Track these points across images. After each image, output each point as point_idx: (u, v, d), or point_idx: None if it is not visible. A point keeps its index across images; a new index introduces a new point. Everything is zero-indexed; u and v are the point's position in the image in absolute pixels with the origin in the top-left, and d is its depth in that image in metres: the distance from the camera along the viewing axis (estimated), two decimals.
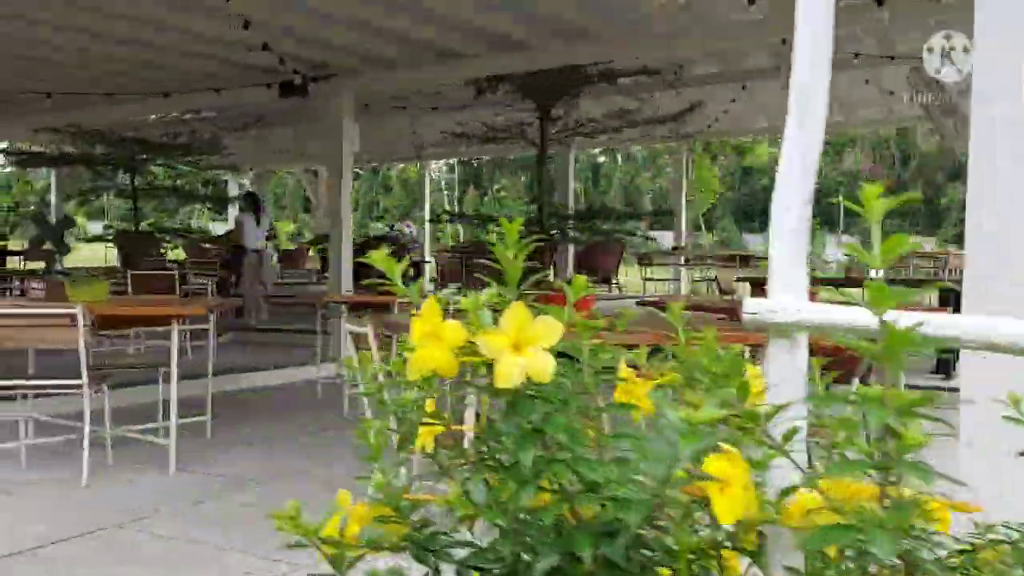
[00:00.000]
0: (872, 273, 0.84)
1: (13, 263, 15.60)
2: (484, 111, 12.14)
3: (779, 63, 11.77)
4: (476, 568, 0.97)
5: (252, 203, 12.96)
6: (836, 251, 38.84)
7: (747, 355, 1.21)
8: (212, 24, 7.73)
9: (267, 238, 13.05)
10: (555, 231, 10.70)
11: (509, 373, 0.98)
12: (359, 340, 3.48)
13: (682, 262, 16.90)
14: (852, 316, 0.97)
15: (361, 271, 9.99)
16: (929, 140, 37.71)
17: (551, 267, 11.54)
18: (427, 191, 20.12)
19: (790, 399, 0.88)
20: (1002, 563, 0.84)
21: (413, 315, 1.03)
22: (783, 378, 1.01)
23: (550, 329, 1.01)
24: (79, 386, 4.55)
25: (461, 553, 0.99)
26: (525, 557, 0.91)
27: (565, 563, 0.87)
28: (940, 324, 0.98)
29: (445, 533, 1.03)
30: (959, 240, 30.80)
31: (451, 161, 34.58)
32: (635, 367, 1.14)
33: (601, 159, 44.24)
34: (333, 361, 8.75)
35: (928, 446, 0.75)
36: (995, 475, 1.51)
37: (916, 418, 0.78)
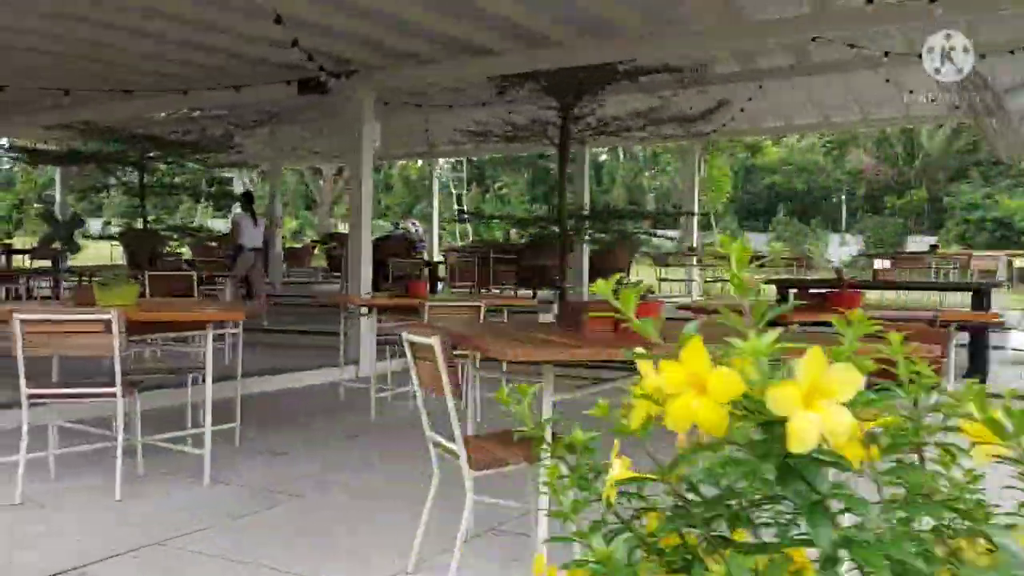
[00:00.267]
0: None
1: (17, 261, 15.42)
2: (499, 109, 11.98)
3: (796, 61, 11.70)
4: None
5: (249, 202, 12.89)
6: (838, 250, 38.76)
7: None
8: (235, 18, 7.56)
9: (264, 238, 12.95)
10: (573, 231, 10.53)
11: (805, 433, 0.81)
12: (419, 351, 3.31)
13: (694, 263, 16.76)
14: None
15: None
16: (934, 138, 37.61)
17: (568, 268, 11.37)
18: (435, 189, 19.92)
19: None
20: None
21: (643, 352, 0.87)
22: None
23: (848, 379, 0.84)
24: (112, 394, 4.38)
25: None
26: None
27: None
28: None
29: None
30: (962, 239, 30.35)
31: (451, 160, 34.39)
32: None
33: (603, 158, 44.06)
34: (355, 363, 8.60)
35: None
36: None
37: None
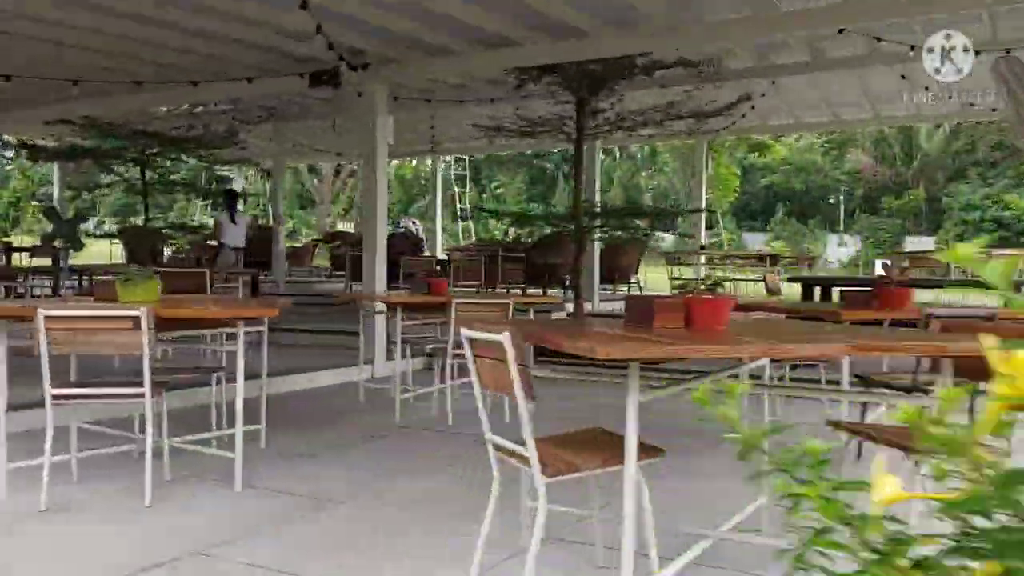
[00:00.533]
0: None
1: (15, 259, 15.11)
2: (505, 105, 11.76)
3: (812, 57, 11.53)
4: None
5: (230, 200, 12.81)
6: (836, 250, 38.67)
7: None
8: (247, 6, 7.35)
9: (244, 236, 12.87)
10: (587, 228, 10.33)
11: None
12: (482, 348, 3.10)
13: (702, 261, 16.60)
14: None
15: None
16: (933, 138, 37.54)
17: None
18: (439, 187, 19.68)
19: None
20: None
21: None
22: None
23: None
24: (140, 395, 4.16)
25: None
26: None
27: None
28: None
29: None
30: (960, 240, 30.62)
31: (447, 159, 34.09)
32: None
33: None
34: (370, 363, 8.40)
35: None
36: None
37: None
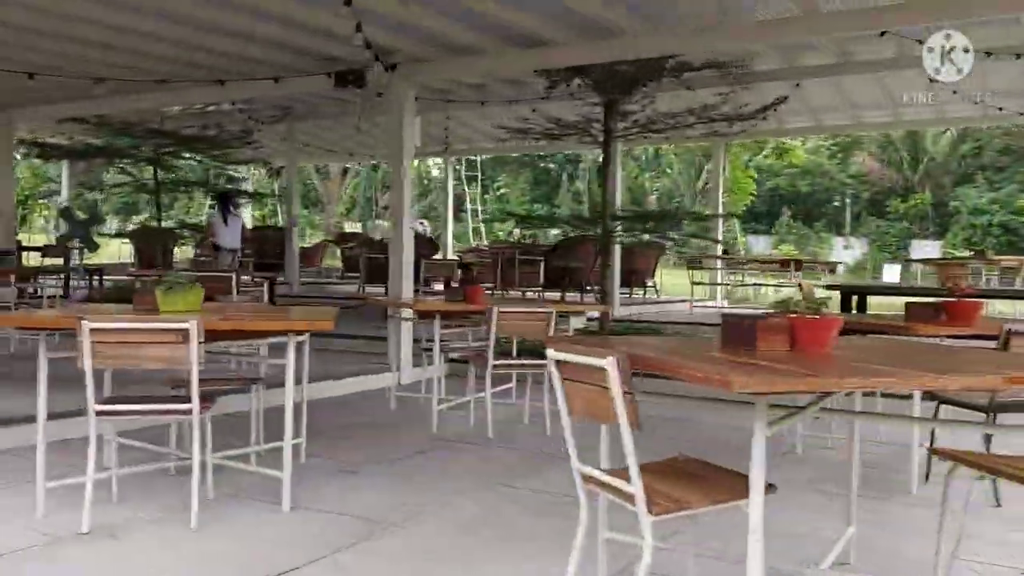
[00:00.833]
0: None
1: (25, 259, 14.86)
2: (521, 108, 11.56)
3: (837, 60, 11.34)
4: None
5: (223, 202, 12.68)
6: (842, 253, 38.43)
7: None
8: (284, 3, 7.14)
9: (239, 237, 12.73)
10: (612, 231, 10.13)
11: None
12: (574, 372, 2.88)
13: (720, 266, 16.40)
14: None
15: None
16: (939, 142, 37.36)
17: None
18: (450, 188, 19.44)
19: None
20: None
21: None
22: None
23: None
24: (188, 410, 3.94)
25: None
26: None
27: None
28: None
29: None
30: (968, 244, 30.30)
31: (453, 159, 33.83)
32: None
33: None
34: (398, 370, 8.23)
35: None
36: None
37: None
